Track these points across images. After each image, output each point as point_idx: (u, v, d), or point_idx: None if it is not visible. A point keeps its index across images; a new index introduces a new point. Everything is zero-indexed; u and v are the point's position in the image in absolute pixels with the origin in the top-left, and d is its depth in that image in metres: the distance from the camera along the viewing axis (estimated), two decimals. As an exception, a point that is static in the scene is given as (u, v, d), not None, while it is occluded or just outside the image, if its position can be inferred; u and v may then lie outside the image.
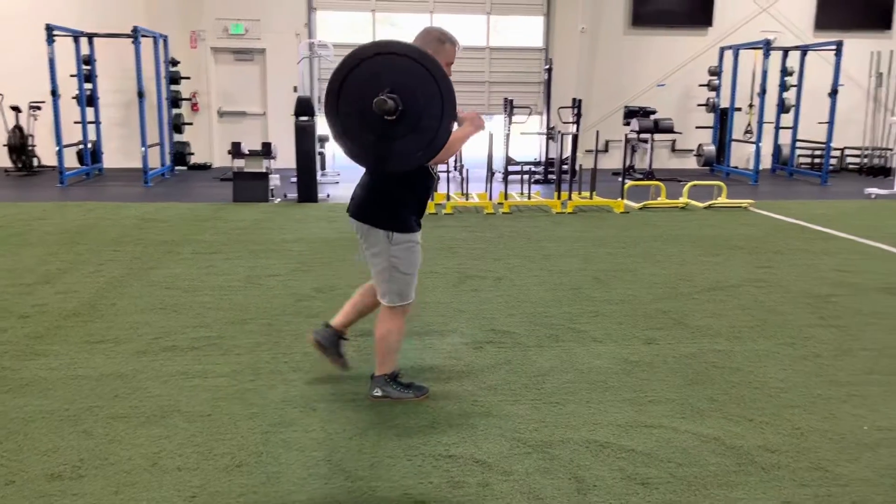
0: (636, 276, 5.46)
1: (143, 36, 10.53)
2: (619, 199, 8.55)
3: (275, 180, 9.04)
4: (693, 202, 8.86)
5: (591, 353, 3.77)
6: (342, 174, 11.37)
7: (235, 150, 8.77)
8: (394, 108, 2.54)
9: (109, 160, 12.04)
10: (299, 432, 2.85)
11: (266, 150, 8.79)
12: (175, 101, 11.98)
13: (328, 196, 9.35)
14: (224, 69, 12.96)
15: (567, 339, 4.00)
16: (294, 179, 9.01)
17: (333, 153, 11.83)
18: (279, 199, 8.98)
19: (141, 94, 10.40)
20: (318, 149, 10.21)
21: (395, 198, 2.90)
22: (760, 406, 3.16)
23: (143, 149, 10.43)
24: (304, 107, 8.72)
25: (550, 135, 11.48)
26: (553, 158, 11.03)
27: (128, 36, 10.20)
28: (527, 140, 12.03)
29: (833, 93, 11.25)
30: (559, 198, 8.48)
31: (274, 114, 12.77)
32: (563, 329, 4.17)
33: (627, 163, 12.77)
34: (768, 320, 4.36)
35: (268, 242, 6.48)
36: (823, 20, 13.49)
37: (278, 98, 12.57)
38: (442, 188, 8.93)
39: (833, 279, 5.38)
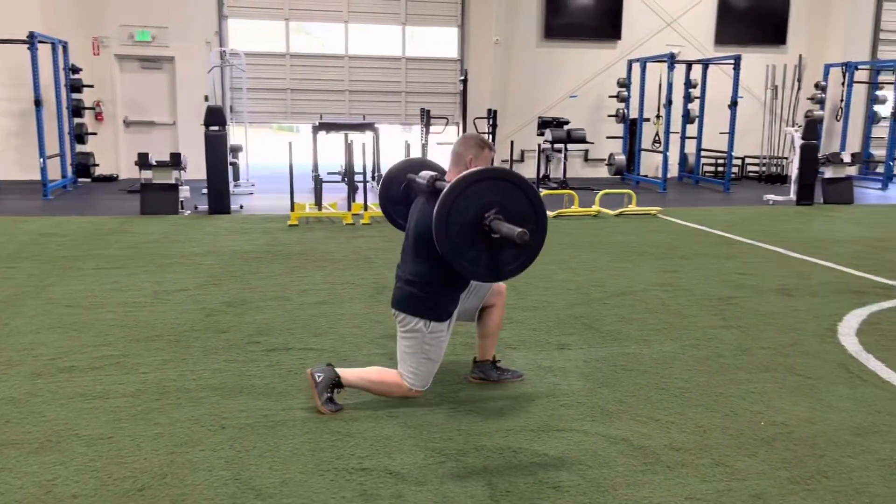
0: (550, 282, 5.56)
1: (41, 42, 10.03)
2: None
3: (185, 192, 8.77)
4: (605, 210, 9.12)
5: (505, 360, 3.80)
6: (257, 185, 11.15)
7: (143, 161, 8.46)
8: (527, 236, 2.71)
9: (5, 173, 11.41)
10: (206, 451, 2.76)
11: (175, 161, 8.52)
12: (77, 110, 11.45)
13: (241, 207, 9.14)
14: (130, 77, 12.51)
15: (482, 346, 4.03)
16: (206, 191, 8.77)
17: (247, 163, 11.59)
18: (189, 212, 8.72)
19: (38, 103, 9.90)
20: (230, 159, 9.98)
21: (442, 292, 3.11)
22: (666, 406, 3.26)
23: (42, 160, 9.92)
24: (214, 116, 8.51)
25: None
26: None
27: (23, 42, 9.70)
28: (445, 150, 12.09)
29: (733, 104, 11.83)
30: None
31: (184, 123, 12.40)
32: (476, 337, 4.18)
33: (542, 172, 13.06)
34: (674, 323, 4.52)
35: (177, 256, 6.27)
36: (723, 35, 14.19)
37: (188, 107, 12.21)
38: (359, 198, 8.89)
39: (734, 282, 5.63)
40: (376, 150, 10.79)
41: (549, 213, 8.83)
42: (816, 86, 13.82)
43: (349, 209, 8.28)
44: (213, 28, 12.53)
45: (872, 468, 2.71)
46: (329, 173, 10.74)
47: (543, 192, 9.60)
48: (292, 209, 8.11)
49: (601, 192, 9.46)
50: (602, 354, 3.95)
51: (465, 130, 12.36)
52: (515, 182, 2.85)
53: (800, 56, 14.17)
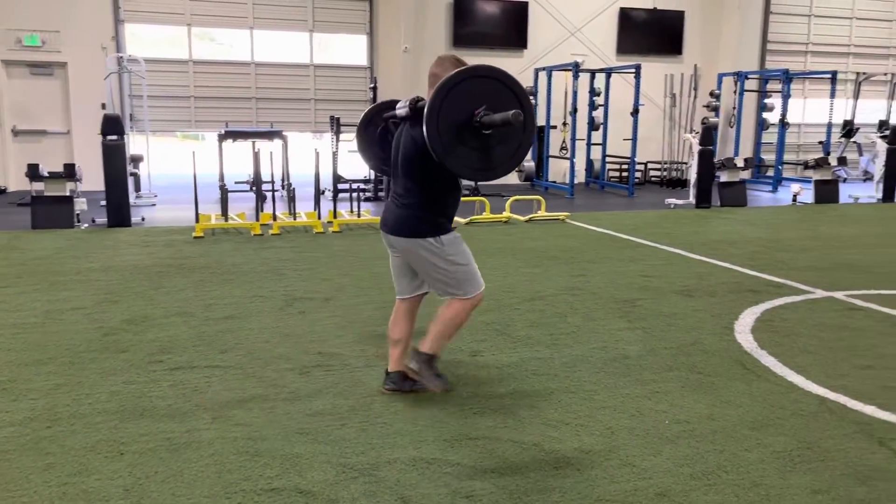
0: (462, 289, 5.57)
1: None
2: (446, 215, 8.73)
3: (81, 204, 8.34)
4: (515, 216, 9.27)
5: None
6: (161, 195, 10.74)
7: (33, 173, 7.99)
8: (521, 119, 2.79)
9: None
10: (103, 480, 2.61)
11: (69, 172, 8.09)
12: (-41, 118, 10.71)
13: (143, 220, 8.77)
14: (18, 84, 11.82)
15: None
16: (104, 203, 8.36)
17: (149, 173, 11.15)
18: (86, 225, 8.29)
19: (-85, 111, 9.20)
20: (131, 169, 9.57)
21: (437, 210, 3.19)
22: (576, 409, 3.32)
23: (-80, 172, 9.22)
24: (112, 125, 8.13)
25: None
26: (381, 177, 11.08)
27: None
28: (356, 158, 11.99)
29: (635, 112, 12.28)
30: (388, 215, 8.52)
31: (80, 133, 11.81)
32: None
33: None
34: (582, 326, 4.62)
35: (72, 273, 5.95)
36: (624, 45, 14.71)
37: (84, 116, 11.63)
38: (268, 208, 8.69)
39: (639, 284, 5.82)
40: (285, 158, 10.59)
41: (461, 221, 8.90)
42: (711, 94, 14.51)
43: (257, 219, 8.07)
44: (110, 33, 12.00)
45: (768, 461, 2.84)
46: (237, 182, 10.50)
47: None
48: (197, 220, 7.84)
49: (511, 199, 9.61)
50: (513, 360, 3.99)
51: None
52: (501, 79, 2.90)
53: (695, 66, 14.86)
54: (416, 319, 3.55)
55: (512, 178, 13.97)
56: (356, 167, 12.25)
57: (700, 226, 9.16)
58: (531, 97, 13.20)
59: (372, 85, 11.63)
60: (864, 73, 15.76)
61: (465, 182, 3.97)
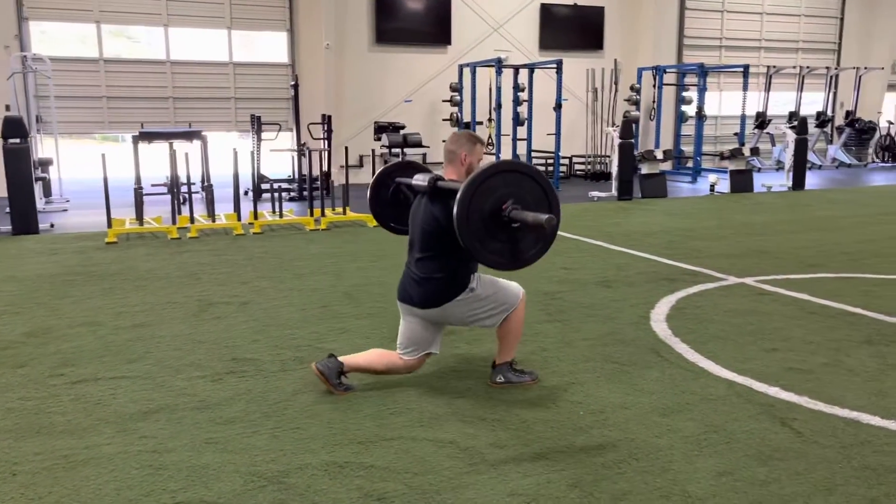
0: (386, 288, 5.52)
1: None
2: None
3: (-18, 211, 7.90)
4: (441, 212, 9.25)
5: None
6: (74, 200, 10.29)
7: (-72, 179, 7.52)
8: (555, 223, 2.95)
9: None
10: (-9, 505, 2.46)
11: (-31, 178, 7.64)
12: None
13: (52, 226, 8.38)
14: (-88, 84, 11.10)
15: (312, 359, 3.90)
16: (9, 210, 7.94)
17: (60, 177, 10.68)
18: (-11, 233, 7.87)
19: None
20: (38, 174, 9.13)
21: (459, 278, 3.30)
22: (493, 405, 3.32)
23: None
24: (13, 127, 7.73)
25: (302, 151, 11.35)
26: (304, 175, 10.92)
27: None
28: (280, 157, 11.78)
29: (557, 107, 12.45)
30: (312, 215, 8.39)
31: (-18, 136, 11.17)
32: (309, 350, 4.08)
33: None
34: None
35: (-29, 284, 5.62)
36: (546, 41, 14.90)
37: (-14, 118, 11.01)
38: (187, 210, 8.43)
39: (560, 277, 5.89)
40: (205, 158, 10.29)
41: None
42: (631, 88, 14.85)
43: (174, 222, 7.82)
44: (13, 31, 11.42)
45: (677, 446, 2.90)
46: (153, 185, 10.14)
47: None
48: (109, 226, 7.53)
49: (437, 195, 9.60)
50: (434, 357, 3.96)
51: (298, 136, 12.09)
52: (526, 172, 3.04)
53: (615, 60, 15.18)
54: (390, 373, 3.54)
55: (439, 175, 13.97)
56: (279, 166, 12.05)
57: (621, 217, 9.36)
58: (455, 93, 13.25)
59: (293, 83, 11.41)
60: (774, 67, 16.41)
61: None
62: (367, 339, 4.28)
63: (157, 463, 2.75)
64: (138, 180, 10.06)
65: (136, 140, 9.91)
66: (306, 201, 10.09)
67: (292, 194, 11.02)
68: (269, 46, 13.40)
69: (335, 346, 4.13)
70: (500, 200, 2.95)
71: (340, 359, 3.44)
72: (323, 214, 8.39)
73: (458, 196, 2.89)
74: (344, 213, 8.70)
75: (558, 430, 3.06)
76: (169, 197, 8.16)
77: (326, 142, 11.31)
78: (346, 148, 9.41)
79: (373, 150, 9.71)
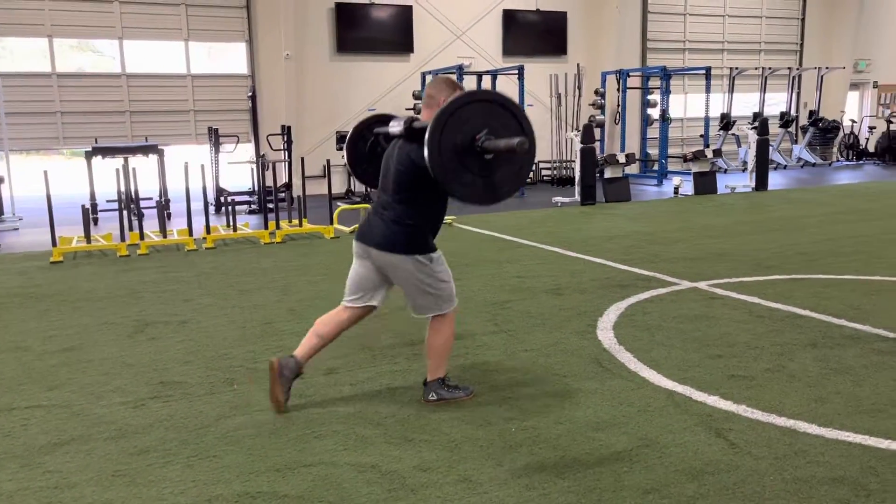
0: (333, 302, 5.29)
1: None
2: (330, 225, 8.53)
3: (-75, 233, 7.65)
4: (402, 222, 9.12)
5: (265, 393, 3.58)
6: (27, 218, 10.03)
7: None
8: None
9: None
10: None
11: None
12: None
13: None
14: None
15: (244, 381, 3.78)
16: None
17: (11, 195, 10.42)
18: (-68, 255, 7.62)
19: None
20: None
21: (424, 228, 3.25)
22: (423, 424, 3.21)
23: None
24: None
25: (262, 163, 11.18)
26: (268, 187, 10.75)
27: None
28: (243, 170, 11.58)
29: (520, 112, 12.37)
30: (267, 227, 8.24)
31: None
32: (242, 370, 3.94)
33: (345, 187, 12.95)
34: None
35: None
36: (510, 46, 14.86)
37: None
38: (144, 226, 8.23)
39: (512, 285, 5.79)
40: (162, 173, 10.11)
41: (346, 229, 8.71)
42: (596, 92, 14.85)
43: (123, 239, 7.62)
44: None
45: (607, 463, 2.80)
46: (108, 201, 9.92)
47: (339, 207, 9.47)
48: (54, 244, 7.32)
49: (398, 205, 9.48)
50: (370, 375, 3.85)
51: (257, 148, 11.92)
52: (501, 103, 2.92)
53: (578, 65, 15.17)
54: (341, 332, 3.53)
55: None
56: (241, 179, 11.86)
57: (583, 223, 9.30)
58: (418, 101, 13.15)
59: (250, 93, 11.22)
60: (737, 68, 16.50)
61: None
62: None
63: (56, 500, 2.60)
64: (92, 196, 9.90)
65: (89, 156, 9.74)
66: (270, 213, 9.92)
67: (253, 207, 10.84)
68: (227, 57, 13.21)
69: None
70: (474, 131, 2.85)
71: (296, 354, 3.37)
72: (278, 227, 8.23)
73: (430, 126, 2.78)
74: (300, 225, 8.55)
75: (487, 449, 2.94)
76: (126, 212, 7.94)
77: (287, 153, 11.16)
78: (302, 159, 9.28)
79: (327, 161, 9.56)
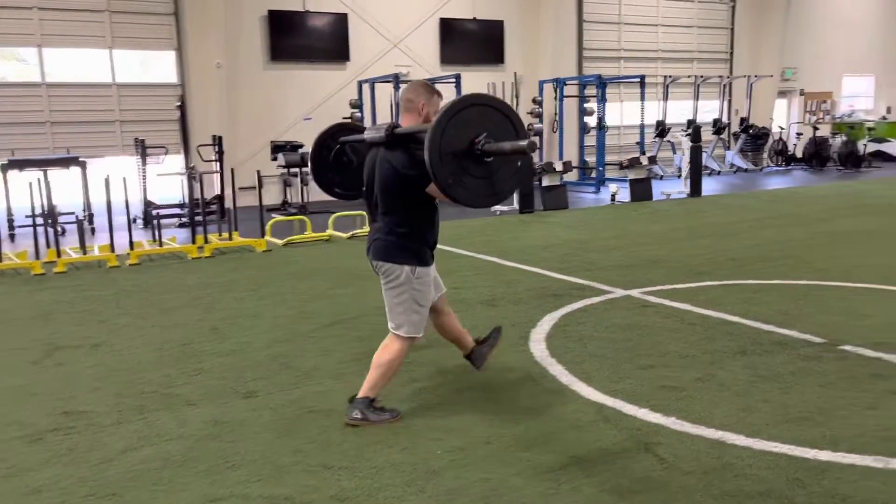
0: (258, 320, 5.19)
1: None
2: (261, 238, 8.28)
3: None
4: (338, 234, 8.94)
5: (178, 421, 3.37)
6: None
7: None
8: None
9: None
10: None
11: None
12: None
13: None
14: None
15: (155, 407, 3.55)
16: None
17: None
18: None
19: None
20: None
21: (419, 237, 3.22)
22: (346, 448, 3.05)
23: None
24: None
25: (192, 174, 10.83)
26: (199, 200, 10.39)
27: None
28: (166, 181, 11.16)
29: (458, 121, 12.31)
30: (194, 242, 7.93)
31: None
32: (154, 397, 3.71)
33: (281, 198, 12.65)
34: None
35: None
36: (447, 55, 14.81)
37: None
38: (71, 241, 7.82)
39: (448, 297, 5.65)
40: (85, 186, 9.68)
41: (279, 242, 8.47)
42: (534, 101, 14.91)
43: (38, 257, 7.22)
44: None
45: (533, 484, 2.69)
46: (27, 216, 9.44)
47: (273, 219, 9.22)
48: (-40, 264, 6.89)
49: (334, 216, 9.29)
50: (292, 397, 3.66)
51: (187, 160, 11.56)
52: (498, 107, 2.92)
53: (515, 73, 15.23)
54: (453, 316, 3.69)
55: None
56: (170, 191, 11.45)
57: (520, 231, 9.26)
58: (355, 110, 12.99)
59: (178, 103, 10.84)
60: (671, 77, 16.83)
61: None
62: (222, 379, 3.93)
63: (-71, 552, 2.35)
64: (9, 212, 9.39)
65: (4, 169, 9.24)
66: (202, 226, 9.58)
67: (183, 220, 10.47)
68: (156, 66, 12.78)
69: (186, 389, 3.78)
70: (473, 134, 2.83)
71: (362, 395, 3.28)
72: (206, 241, 7.93)
73: (429, 133, 2.74)
74: (230, 238, 8.26)
75: (410, 474, 2.80)
76: (44, 228, 7.52)
77: (218, 164, 10.82)
78: (232, 170, 9.01)
79: (257, 172, 9.30)
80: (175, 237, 8.67)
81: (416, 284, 3.21)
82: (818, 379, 3.64)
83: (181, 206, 10.82)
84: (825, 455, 2.83)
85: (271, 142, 12.37)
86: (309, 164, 3.79)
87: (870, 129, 18.82)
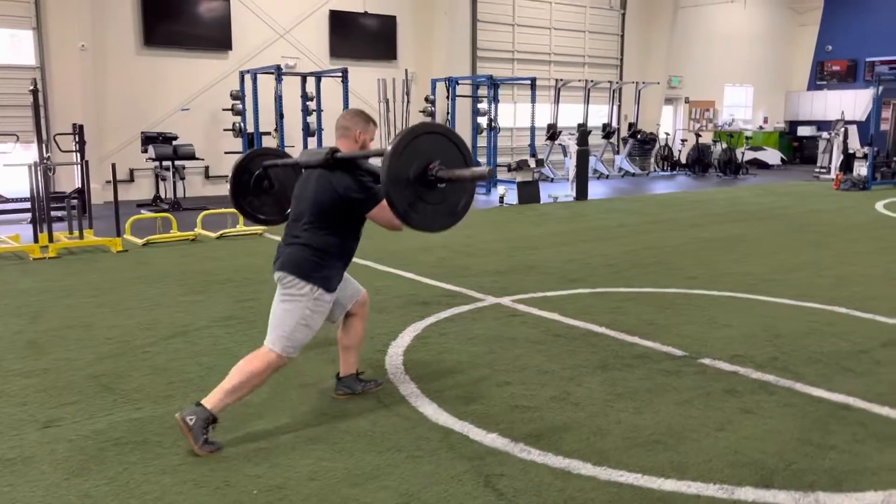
0: (89, 332, 4.63)
1: None
2: (117, 237, 7.59)
3: None
4: (206, 233, 8.35)
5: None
6: None
7: None
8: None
9: None
10: None
11: None
12: None
13: None
14: None
15: (-74, 443, 3.01)
16: None
17: None
18: None
19: None
20: None
21: (335, 257, 3.17)
22: (144, 491, 2.63)
23: None
24: None
25: (47, 166, 9.89)
26: (56, 193, 9.49)
27: None
28: (13, 172, 10.10)
29: (345, 117, 11.88)
30: (37, 241, 7.17)
31: None
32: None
33: (153, 193, 11.83)
34: (215, 368, 3.91)
35: None
36: (337, 49, 14.33)
37: None
38: None
39: (307, 305, 5.27)
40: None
41: (138, 242, 7.81)
42: (426, 99, 14.65)
43: None
44: None
45: (352, 530, 2.37)
46: None
47: (139, 215, 8.52)
48: None
49: (202, 214, 8.69)
50: (99, 426, 3.19)
51: (40, 149, 10.54)
52: (446, 135, 2.96)
53: (406, 70, 14.94)
54: (364, 321, 3.58)
55: (224, 190, 12.93)
56: (19, 184, 10.43)
57: (401, 234, 8.92)
58: (236, 101, 12.32)
59: (32, 87, 9.85)
60: (562, 80, 16.99)
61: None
62: (21, 405, 3.41)
63: None
64: None
65: None
66: (59, 222, 8.72)
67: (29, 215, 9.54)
68: (9, 46, 11.63)
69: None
70: (426, 162, 2.83)
71: (209, 406, 2.96)
72: (51, 240, 7.18)
73: (386, 163, 2.74)
74: (81, 236, 7.53)
75: (211, 522, 2.42)
76: None
77: (79, 154, 9.95)
78: (87, 162, 8.25)
79: (113, 165, 8.59)
80: (19, 235, 7.83)
81: (313, 304, 3.10)
82: (674, 396, 3.51)
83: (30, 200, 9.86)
84: (670, 484, 2.66)
85: (142, 133, 11.55)
86: (229, 190, 3.63)
87: (748, 137, 19.72)
